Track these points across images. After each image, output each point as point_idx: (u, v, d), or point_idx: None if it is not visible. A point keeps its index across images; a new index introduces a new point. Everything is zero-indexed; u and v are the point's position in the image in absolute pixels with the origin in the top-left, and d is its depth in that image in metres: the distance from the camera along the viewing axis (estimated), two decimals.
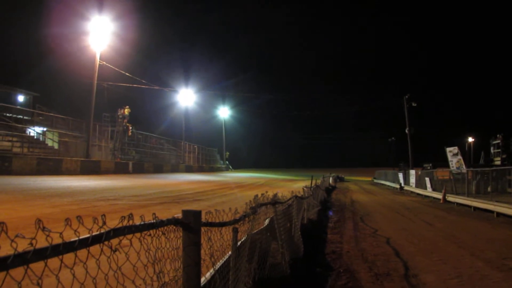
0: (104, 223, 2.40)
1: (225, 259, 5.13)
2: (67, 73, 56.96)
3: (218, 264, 4.89)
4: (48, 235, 1.99)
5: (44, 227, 1.99)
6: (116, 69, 49.66)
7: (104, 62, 46.91)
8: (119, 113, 57.24)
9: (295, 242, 10.65)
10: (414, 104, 58.61)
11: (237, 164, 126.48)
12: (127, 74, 52.67)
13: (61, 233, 2.12)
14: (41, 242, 2.01)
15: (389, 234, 16.27)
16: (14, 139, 40.50)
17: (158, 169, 62.46)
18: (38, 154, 40.23)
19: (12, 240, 1.87)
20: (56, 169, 38.38)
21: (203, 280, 4.19)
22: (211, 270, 4.54)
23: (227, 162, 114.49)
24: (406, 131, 59.68)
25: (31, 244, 1.92)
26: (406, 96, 59.46)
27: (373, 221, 20.53)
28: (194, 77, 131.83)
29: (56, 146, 47.28)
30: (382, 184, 73.56)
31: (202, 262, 3.71)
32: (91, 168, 44.03)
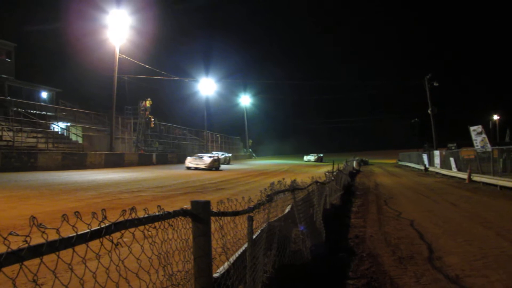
0: (105, 217, 2.38)
1: (242, 249, 5.11)
2: (88, 67, 57.51)
3: (237, 254, 4.87)
4: (44, 232, 1.97)
5: (40, 224, 1.97)
6: (136, 61, 49.86)
7: (124, 56, 47.07)
8: (141, 105, 57.58)
9: (317, 228, 10.61)
10: (436, 84, 57.83)
11: (261, 151, 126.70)
12: (146, 66, 52.79)
13: (57, 229, 2.09)
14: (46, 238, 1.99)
15: (413, 217, 16.13)
16: (39, 135, 40.97)
17: (182, 160, 62.43)
18: (62, 149, 40.67)
19: (5, 238, 1.86)
20: (80, 163, 38.77)
21: (219, 269, 4.19)
22: (226, 262, 4.53)
23: (250, 150, 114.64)
24: (429, 111, 59.03)
25: (25, 241, 1.90)
26: (428, 76, 58.70)
27: (397, 204, 20.38)
28: (215, 66, 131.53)
29: (80, 140, 47.80)
30: (407, 166, 73.02)
31: (216, 252, 3.69)
32: (115, 161, 44.39)
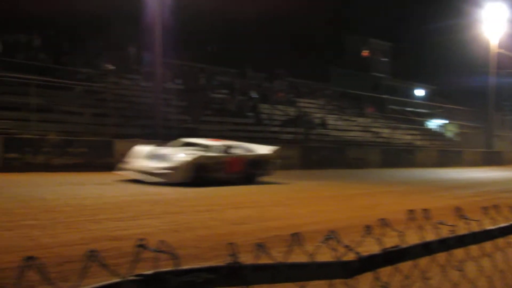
0: None
1: None
2: (463, 63, 56.40)
3: None
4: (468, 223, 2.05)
5: (463, 215, 2.07)
6: None
7: (503, 50, 44.84)
8: None
9: None
10: None
11: None
12: None
13: (477, 221, 2.16)
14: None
15: None
16: (415, 132, 42.16)
17: None
18: (437, 146, 41.04)
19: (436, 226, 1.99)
20: (456, 161, 38.43)
21: None
22: None
23: None
24: None
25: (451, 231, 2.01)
26: None
27: None
28: None
29: (455, 137, 47.52)
30: None
31: None
32: (492, 159, 42.72)
